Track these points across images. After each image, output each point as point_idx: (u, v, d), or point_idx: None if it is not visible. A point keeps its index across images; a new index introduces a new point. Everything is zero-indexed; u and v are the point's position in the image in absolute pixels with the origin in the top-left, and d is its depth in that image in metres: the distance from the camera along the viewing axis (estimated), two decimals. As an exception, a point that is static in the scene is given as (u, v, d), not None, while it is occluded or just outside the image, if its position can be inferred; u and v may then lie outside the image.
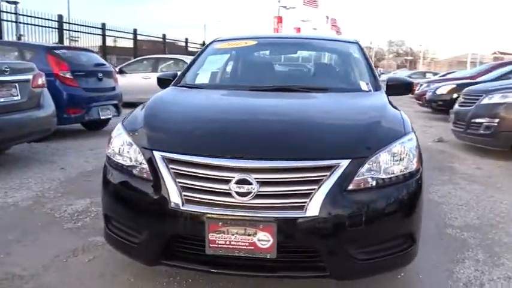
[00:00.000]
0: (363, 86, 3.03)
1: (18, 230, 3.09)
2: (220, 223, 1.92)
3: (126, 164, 2.23)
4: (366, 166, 2.02)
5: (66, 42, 13.71)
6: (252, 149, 2.07)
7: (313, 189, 1.93)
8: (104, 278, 2.46)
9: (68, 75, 6.40)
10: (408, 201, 2.10)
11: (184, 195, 1.98)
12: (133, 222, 2.18)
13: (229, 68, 3.53)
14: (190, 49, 22.54)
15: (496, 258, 2.83)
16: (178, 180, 2.01)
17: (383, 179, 2.04)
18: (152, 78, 11.56)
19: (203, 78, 3.34)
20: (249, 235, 1.91)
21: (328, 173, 1.96)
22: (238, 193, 1.93)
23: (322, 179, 1.95)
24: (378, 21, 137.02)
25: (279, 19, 36.20)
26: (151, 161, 2.11)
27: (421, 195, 2.17)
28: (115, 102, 7.35)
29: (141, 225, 2.13)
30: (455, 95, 9.36)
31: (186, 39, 22.58)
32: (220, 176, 1.98)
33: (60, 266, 2.58)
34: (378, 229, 2.02)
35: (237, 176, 1.95)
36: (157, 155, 2.10)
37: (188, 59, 12.57)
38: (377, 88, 3.01)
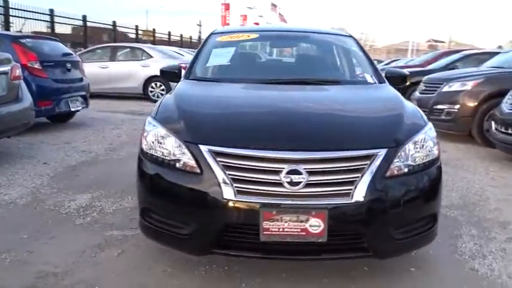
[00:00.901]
0: (368, 78, 3.22)
1: (29, 228, 3.03)
2: (274, 211, 2.05)
3: (168, 158, 2.28)
4: (399, 155, 2.21)
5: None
6: (299, 141, 2.20)
7: (357, 177, 2.10)
8: (140, 270, 2.50)
9: (37, 65, 6.13)
10: (433, 185, 2.33)
11: (236, 187, 2.08)
12: (181, 214, 2.25)
13: (239, 62, 3.60)
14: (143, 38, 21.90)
15: (487, 232, 3.17)
16: (228, 172, 2.10)
17: (413, 165, 2.25)
18: (111, 67, 11.36)
19: (215, 71, 3.40)
20: (301, 222, 2.05)
21: (368, 162, 2.13)
22: (289, 183, 2.06)
23: (364, 168, 2.12)
24: (320, 9, 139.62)
25: (227, 6, 35.90)
26: (197, 155, 2.18)
27: (441, 179, 2.40)
28: (83, 93, 7.13)
29: (191, 217, 2.21)
30: (407, 83, 9.93)
31: (136, 26, 21.92)
32: (271, 168, 2.09)
33: (91, 262, 2.59)
34: (411, 211, 2.23)
35: (287, 167, 2.07)
36: (203, 148, 2.17)
37: (147, 47, 12.34)
38: (380, 80, 3.21)
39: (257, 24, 50.92)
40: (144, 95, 11.15)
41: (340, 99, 2.81)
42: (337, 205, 2.07)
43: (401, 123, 2.40)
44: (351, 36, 3.79)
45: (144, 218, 2.42)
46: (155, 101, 6.94)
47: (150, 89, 11.13)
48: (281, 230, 2.06)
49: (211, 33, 3.75)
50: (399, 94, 2.91)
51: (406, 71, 3.97)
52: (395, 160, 2.19)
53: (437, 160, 2.39)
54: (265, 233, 2.06)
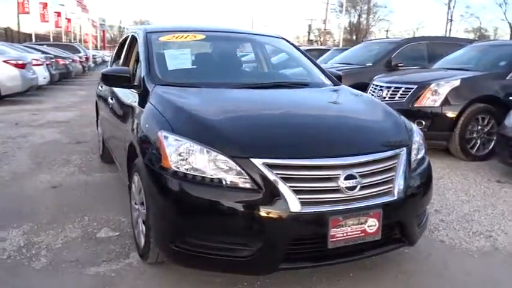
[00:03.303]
0: (326, 80, 3.40)
1: None
2: (341, 217, 2.09)
3: (210, 176, 2.07)
4: (411, 152, 2.48)
5: None
6: (345, 146, 2.27)
7: (393, 175, 2.29)
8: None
9: None
10: (430, 174, 2.66)
11: (299, 198, 2.04)
12: (238, 235, 2.08)
13: (207, 65, 3.34)
14: None
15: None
16: (288, 184, 2.04)
17: (418, 160, 2.55)
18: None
19: (185, 76, 3.09)
20: (361, 223, 2.15)
21: (397, 161, 2.34)
22: (347, 188, 2.12)
23: (395, 166, 2.32)
24: (124, 1, 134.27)
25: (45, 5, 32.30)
26: (250, 169, 2.05)
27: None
28: None
29: (252, 236, 2.07)
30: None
31: None
32: (328, 175, 2.12)
33: None
34: (424, 199, 2.52)
35: (342, 173, 2.13)
36: (257, 162, 2.06)
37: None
38: (332, 81, 3.42)
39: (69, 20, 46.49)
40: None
41: (338, 103, 2.94)
42: (388, 203, 2.22)
43: (405, 125, 2.66)
44: (283, 38, 3.92)
45: (176, 245, 2.14)
46: None
47: None
48: (345, 234, 2.12)
49: (148, 33, 3.40)
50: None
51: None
52: (411, 157, 2.45)
53: (426, 154, 2.72)
54: (332, 240, 2.09)
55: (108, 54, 48.99)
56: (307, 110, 2.74)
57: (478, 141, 5.54)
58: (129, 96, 3.10)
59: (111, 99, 3.68)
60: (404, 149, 2.41)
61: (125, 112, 3.13)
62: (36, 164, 4.80)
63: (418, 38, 9.16)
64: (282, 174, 2.06)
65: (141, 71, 3.01)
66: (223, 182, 2.07)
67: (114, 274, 2.49)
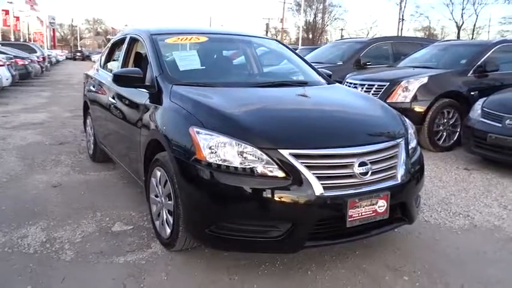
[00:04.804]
0: (320, 79, 3.70)
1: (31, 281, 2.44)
2: (357, 199, 2.38)
3: (243, 166, 2.31)
4: (408, 142, 2.82)
5: None
6: (356, 136, 2.57)
7: (396, 162, 2.62)
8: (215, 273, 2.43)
9: None
10: (423, 162, 3.00)
11: (322, 184, 2.32)
12: (269, 218, 2.33)
13: (216, 66, 3.52)
14: None
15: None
16: (312, 172, 2.32)
17: (413, 148, 2.89)
18: None
19: (198, 76, 3.28)
20: (373, 205, 2.45)
21: (398, 149, 2.67)
22: (361, 173, 2.42)
23: (397, 154, 2.65)
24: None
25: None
26: (278, 159, 2.31)
27: None
28: None
29: (282, 219, 2.32)
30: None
31: None
32: (344, 163, 2.41)
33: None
34: (420, 182, 2.86)
35: (356, 160, 2.43)
36: (284, 152, 2.32)
37: None
38: (326, 79, 3.73)
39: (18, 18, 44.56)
40: None
41: (343, 99, 3.23)
42: (393, 186, 2.54)
43: (400, 116, 3.00)
44: (276, 40, 4.19)
45: (211, 231, 2.37)
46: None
47: None
48: (360, 214, 2.41)
49: (153, 34, 3.56)
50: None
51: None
52: (409, 146, 2.79)
53: (417, 144, 3.06)
54: (350, 219, 2.38)
55: (61, 54, 47.64)
56: (319, 105, 3.04)
57: (444, 134, 6.05)
58: (139, 95, 3.25)
59: (113, 99, 3.80)
60: (403, 138, 2.74)
61: (135, 111, 3.28)
62: (27, 165, 4.81)
63: (383, 37, 9.69)
64: (306, 162, 2.33)
65: (153, 71, 3.17)
66: (255, 171, 2.31)
67: (144, 262, 2.68)
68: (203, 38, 3.66)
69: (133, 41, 3.94)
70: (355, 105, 3.08)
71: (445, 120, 6.03)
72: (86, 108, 5.16)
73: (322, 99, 3.22)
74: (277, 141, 2.37)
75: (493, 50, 6.53)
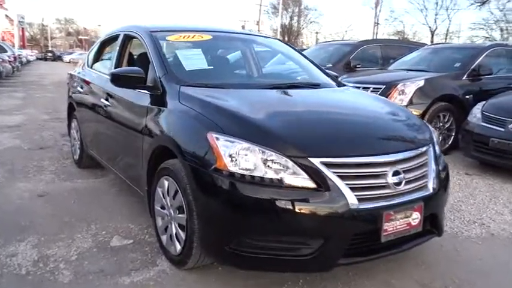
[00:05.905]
0: (330, 81, 3.49)
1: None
2: (392, 212, 2.19)
3: (268, 176, 2.08)
4: (435, 148, 2.65)
5: None
6: (387, 144, 2.38)
7: (426, 170, 2.44)
8: None
9: None
10: (448, 170, 2.82)
11: (356, 195, 2.11)
12: (298, 234, 2.10)
13: (224, 66, 3.27)
14: None
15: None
16: (345, 182, 2.11)
17: (439, 155, 2.72)
18: None
19: (205, 76, 3.01)
20: (407, 217, 2.26)
21: (427, 156, 2.49)
22: (395, 183, 2.22)
23: (427, 162, 2.47)
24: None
25: None
26: (309, 169, 2.09)
27: None
28: None
29: (313, 235, 2.10)
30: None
31: None
32: (377, 172, 2.21)
33: None
34: (448, 192, 2.69)
35: (390, 169, 2.23)
36: (315, 161, 2.10)
37: None
38: (335, 81, 3.53)
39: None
40: None
41: (365, 103, 3.02)
42: (426, 197, 2.36)
43: (423, 121, 2.82)
44: (279, 40, 3.97)
45: (232, 248, 2.13)
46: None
47: None
48: (394, 228, 2.22)
49: (152, 32, 3.28)
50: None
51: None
52: (436, 152, 2.62)
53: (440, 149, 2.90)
54: (384, 234, 2.19)
55: (31, 54, 46.09)
56: (344, 109, 2.83)
57: (440, 137, 5.96)
58: (139, 97, 2.97)
59: (107, 100, 3.51)
60: (431, 145, 2.57)
61: (135, 114, 2.99)
62: (7, 171, 4.44)
63: (372, 40, 9.67)
64: (338, 172, 2.12)
65: (155, 72, 2.90)
66: (282, 182, 2.08)
67: (153, 282, 2.41)
68: (207, 36, 3.40)
69: (129, 38, 3.65)
70: (378, 110, 2.88)
71: (441, 124, 5.95)
72: (71, 110, 4.82)
73: (343, 102, 3.01)
74: (307, 148, 2.15)
75: (486, 53, 6.51)
